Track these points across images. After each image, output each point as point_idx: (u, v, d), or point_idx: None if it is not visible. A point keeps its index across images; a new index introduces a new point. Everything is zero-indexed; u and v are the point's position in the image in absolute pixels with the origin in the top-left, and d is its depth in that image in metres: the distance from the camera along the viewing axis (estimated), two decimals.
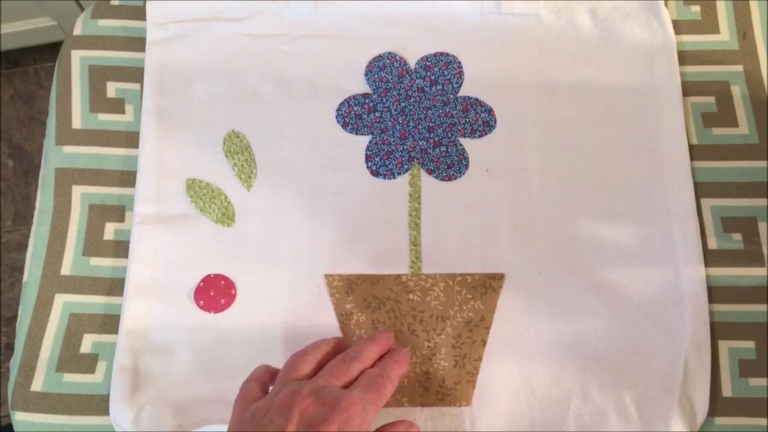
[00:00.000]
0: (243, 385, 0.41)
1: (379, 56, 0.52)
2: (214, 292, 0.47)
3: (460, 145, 0.50)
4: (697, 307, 0.46)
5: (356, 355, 0.41)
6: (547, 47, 0.52)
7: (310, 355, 0.41)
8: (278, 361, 0.45)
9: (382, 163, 0.50)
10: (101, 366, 0.47)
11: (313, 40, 0.52)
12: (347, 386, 0.39)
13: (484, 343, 0.46)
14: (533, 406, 0.45)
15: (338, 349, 0.43)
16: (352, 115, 0.51)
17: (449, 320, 0.47)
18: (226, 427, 0.43)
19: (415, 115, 0.51)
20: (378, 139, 0.50)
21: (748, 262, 0.48)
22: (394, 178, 0.49)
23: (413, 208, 0.49)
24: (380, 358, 0.43)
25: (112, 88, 0.52)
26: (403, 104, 0.51)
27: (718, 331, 0.46)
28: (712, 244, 0.48)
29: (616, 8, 0.52)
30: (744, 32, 0.53)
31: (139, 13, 0.53)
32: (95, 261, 0.49)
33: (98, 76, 0.52)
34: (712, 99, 0.51)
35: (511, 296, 0.47)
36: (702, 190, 0.49)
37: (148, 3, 0.52)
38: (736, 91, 0.51)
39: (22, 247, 1.02)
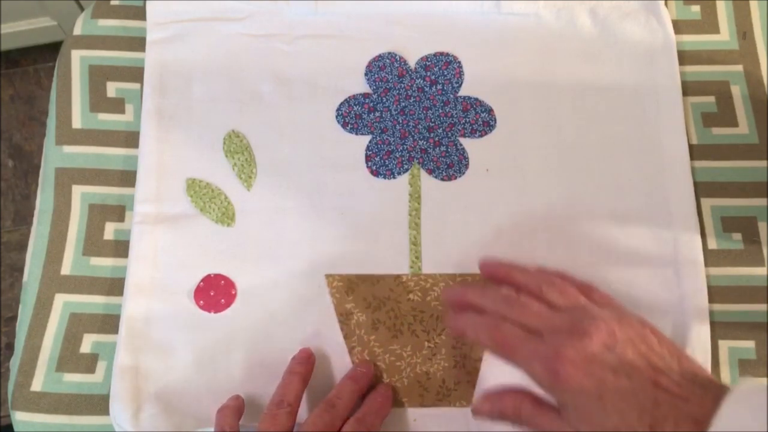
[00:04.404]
0: None
1: (379, 56, 0.52)
2: (214, 292, 0.47)
3: (460, 145, 0.50)
4: (697, 307, 0.46)
5: (337, 402, 0.42)
6: (547, 47, 0.52)
7: (285, 406, 0.41)
8: (277, 362, 0.45)
9: (382, 163, 0.50)
10: (101, 366, 0.47)
11: (313, 40, 0.52)
12: None
13: None
14: None
15: (307, 377, 0.44)
16: (352, 114, 0.51)
17: None
18: None
19: (415, 115, 0.50)
20: (378, 139, 0.50)
21: (748, 262, 0.48)
22: (394, 178, 0.49)
23: (413, 208, 0.49)
24: (363, 395, 0.44)
25: (112, 88, 0.52)
26: (403, 104, 0.51)
27: (718, 331, 0.46)
28: (712, 244, 0.48)
29: (616, 8, 0.52)
30: (744, 32, 0.53)
31: (139, 13, 0.53)
32: (95, 261, 0.49)
33: (98, 75, 0.52)
34: (712, 99, 0.51)
35: None
36: (702, 190, 0.49)
37: (148, 3, 0.52)
38: (736, 90, 0.51)
39: (22, 247, 1.02)
